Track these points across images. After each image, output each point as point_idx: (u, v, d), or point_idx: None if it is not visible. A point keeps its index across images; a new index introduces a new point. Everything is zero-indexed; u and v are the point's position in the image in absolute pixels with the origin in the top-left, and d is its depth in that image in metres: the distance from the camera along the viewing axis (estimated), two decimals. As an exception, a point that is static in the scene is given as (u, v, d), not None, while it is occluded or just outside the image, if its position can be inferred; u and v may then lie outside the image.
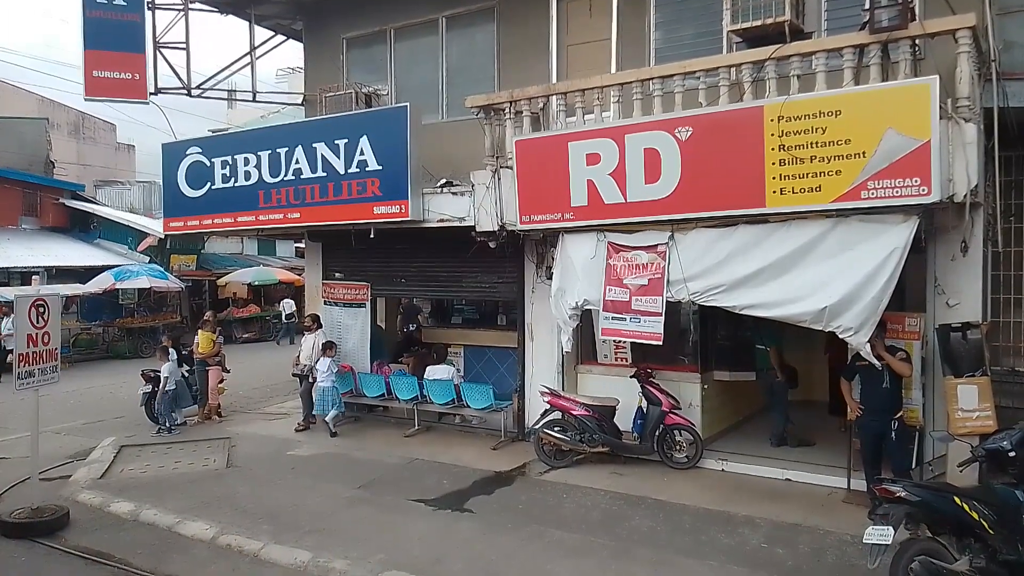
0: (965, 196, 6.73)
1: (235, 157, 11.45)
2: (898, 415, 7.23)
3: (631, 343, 9.34)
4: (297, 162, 10.78)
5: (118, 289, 21.08)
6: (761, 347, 9.42)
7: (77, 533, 7.36)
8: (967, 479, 6.17)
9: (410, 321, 13.87)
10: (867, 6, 7.11)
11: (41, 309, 7.78)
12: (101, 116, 35.18)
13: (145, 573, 6.43)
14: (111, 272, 20.95)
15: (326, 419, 10.91)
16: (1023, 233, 8.64)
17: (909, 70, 7.01)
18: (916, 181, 6.65)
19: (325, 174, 10.52)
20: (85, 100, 13.29)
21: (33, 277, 20.11)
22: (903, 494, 5.23)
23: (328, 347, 11.06)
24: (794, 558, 6.31)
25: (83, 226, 24.99)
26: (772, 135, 7.27)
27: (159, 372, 11.34)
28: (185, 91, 13.20)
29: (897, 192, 6.74)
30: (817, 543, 6.58)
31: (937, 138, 6.55)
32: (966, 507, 5.14)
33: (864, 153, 6.85)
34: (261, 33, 13.90)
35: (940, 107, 6.58)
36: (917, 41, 7.12)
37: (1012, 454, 5.40)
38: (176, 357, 11.55)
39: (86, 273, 21.28)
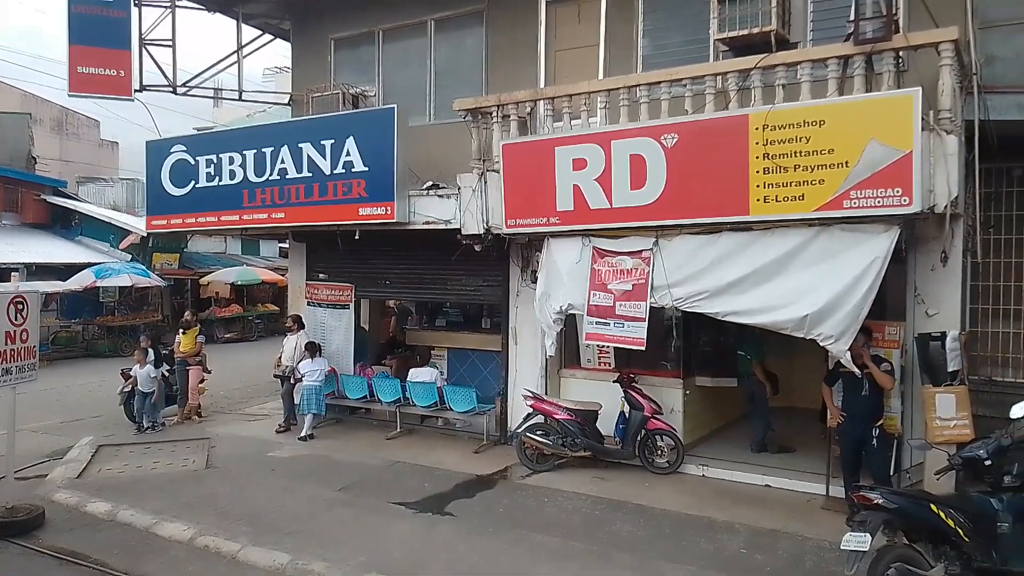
0: (946, 207, 6.81)
1: (220, 156, 11.39)
2: (878, 423, 7.28)
3: (614, 348, 9.38)
4: (282, 162, 10.73)
5: (99, 287, 20.86)
6: (742, 354, 9.48)
7: (52, 533, 7.28)
8: (944, 487, 6.23)
9: (404, 322, 13.93)
10: (852, 18, 7.20)
11: (20, 306, 7.70)
12: (85, 112, 34.86)
13: (121, 574, 6.37)
14: (92, 269, 20.73)
15: (305, 417, 10.83)
16: (1002, 244, 8.75)
17: (892, 82, 7.08)
18: (898, 191, 6.72)
19: (311, 174, 10.49)
20: (69, 96, 13.18)
21: (12, 273, 19.86)
22: (881, 501, 5.28)
23: (314, 348, 11.01)
24: (773, 564, 6.35)
25: (64, 223, 24.73)
26: (757, 143, 7.33)
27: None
28: (171, 89, 13.11)
29: (879, 202, 6.81)
30: (796, 549, 6.62)
31: (919, 149, 6.63)
32: (942, 515, 5.20)
33: (847, 163, 6.92)
34: (248, 32, 13.87)
35: (922, 119, 6.66)
36: (901, 53, 7.20)
37: (988, 463, 5.46)
38: (154, 359, 11.46)
39: (67, 270, 21.04)
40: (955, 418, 6.75)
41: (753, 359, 9.42)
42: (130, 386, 11.46)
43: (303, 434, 10.73)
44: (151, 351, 11.48)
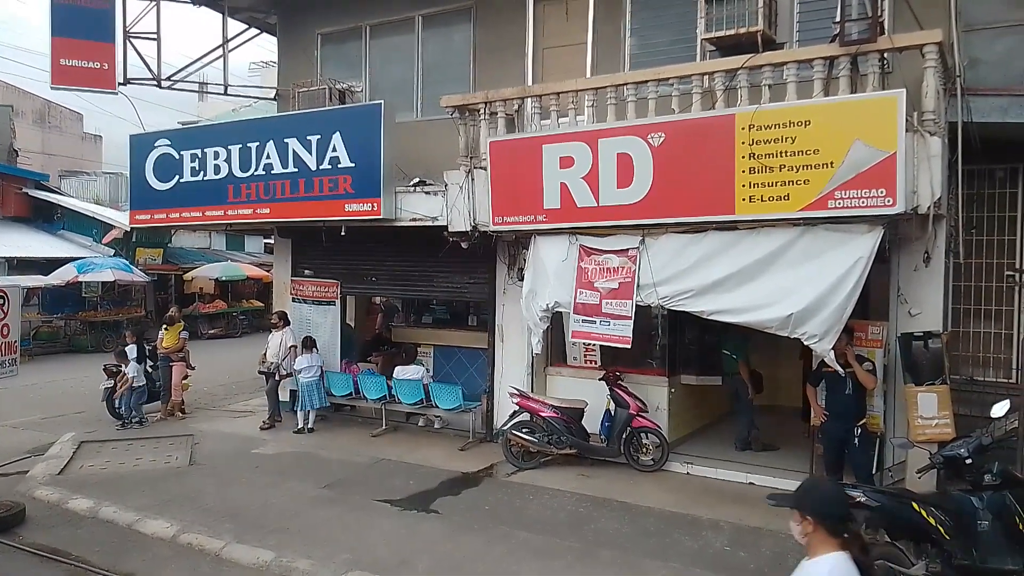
0: (929, 208, 6.87)
1: (205, 150, 11.30)
2: (861, 422, 7.34)
3: (600, 346, 9.39)
4: (268, 157, 10.66)
5: (81, 282, 20.67)
6: (728, 353, 9.53)
7: (33, 530, 7.21)
8: (925, 485, 6.31)
9: (390, 319, 13.90)
10: (838, 19, 7.24)
11: (0, 301, 7.61)
12: (68, 105, 34.47)
13: (102, 571, 6.32)
14: (74, 264, 20.53)
15: (298, 413, 10.88)
16: (984, 245, 8.83)
17: (877, 83, 7.13)
18: (882, 192, 6.78)
19: (296, 170, 10.43)
20: (51, 88, 13.00)
21: (-7, 268, 19.65)
22: (863, 499, 5.33)
23: (310, 343, 11.01)
24: (756, 561, 6.39)
25: (47, 217, 24.42)
26: (743, 143, 7.36)
27: (120, 367, 11.21)
28: (155, 82, 12.98)
29: (863, 202, 6.86)
30: (779, 546, 6.66)
31: (903, 150, 6.68)
32: (924, 513, 5.26)
33: (832, 163, 6.97)
34: (234, 26, 13.73)
35: (906, 120, 6.71)
36: (885, 55, 7.25)
37: (969, 461, 5.52)
38: (136, 355, 11.40)
39: (48, 265, 20.81)
40: (937, 417, 6.82)
41: (738, 358, 9.47)
42: (112, 382, 11.38)
43: (309, 426, 10.86)
44: (135, 347, 11.41)
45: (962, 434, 6.18)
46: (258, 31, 14.15)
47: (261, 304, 26.26)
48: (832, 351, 7.09)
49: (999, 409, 5.75)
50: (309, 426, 10.88)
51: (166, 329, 12.20)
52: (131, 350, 11.34)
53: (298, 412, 10.98)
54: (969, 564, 5.18)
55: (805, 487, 3.29)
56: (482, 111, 9.24)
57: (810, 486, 3.35)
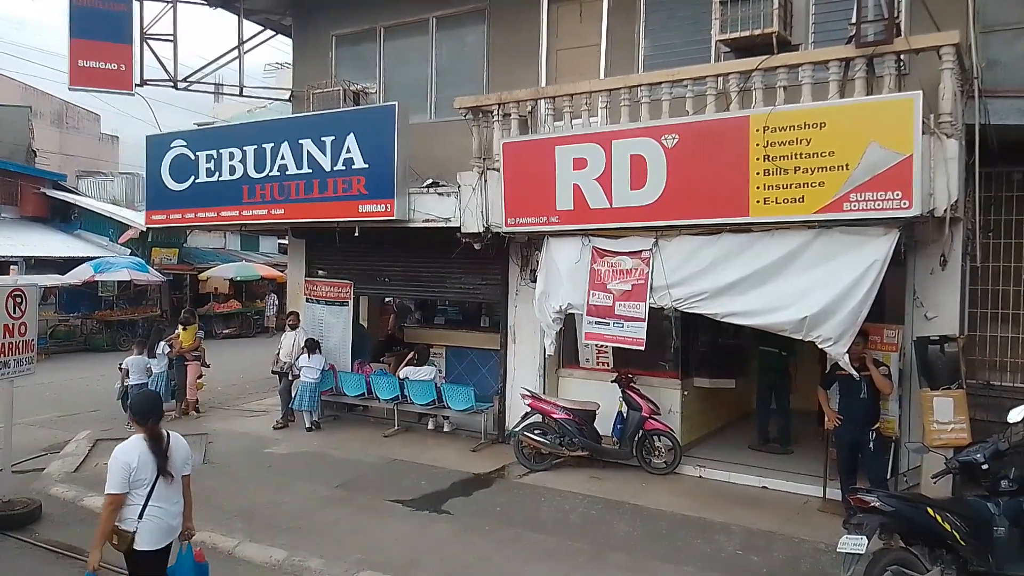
0: (945, 211, 6.81)
1: (220, 151, 11.37)
2: (875, 426, 7.29)
3: (613, 348, 9.37)
4: (283, 158, 10.72)
5: (97, 281, 20.85)
6: (776, 350, 9.43)
7: (49, 527, 7.28)
8: (941, 490, 6.24)
9: (402, 320, 13.95)
10: (854, 20, 7.19)
11: (18, 299, 7.67)
12: (85, 106, 34.76)
13: (117, 569, 6.34)
14: (91, 264, 20.70)
15: (303, 413, 11.00)
16: (1001, 248, 8.75)
17: (893, 85, 7.08)
18: (898, 195, 6.73)
19: (311, 171, 10.48)
20: (69, 89, 13.13)
21: (11, 267, 19.79)
22: (877, 504, 5.29)
23: (312, 345, 11.05)
24: (769, 565, 6.35)
25: (64, 217, 24.66)
26: (757, 145, 7.33)
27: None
28: (171, 83, 13.08)
29: (879, 205, 6.81)
30: (792, 551, 6.63)
31: (919, 153, 6.63)
32: (939, 518, 5.21)
33: (847, 165, 6.92)
34: (250, 27, 13.82)
35: (923, 122, 6.66)
36: (902, 56, 7.21)
37: (985, 467, 5.47)
38: (167, 352, 11.65)
39: (65, 264, 21.00)
40: (953, 422, 6.75)
41: (790, 356, 9.47)
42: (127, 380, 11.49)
43: (307, 425, 10.98)
44: (165, 344, 11.80)
45: (978, 439, 6.12)
46: (273, 33, 14.24)
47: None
48: (847, 355, 7.04)
49: (1016, 414, 5.67)
50: (314, 420, 11.02)
51: (183, 329, 12.30)
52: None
53: (295, 410, 11.16)
54: (985, 570, 5.14)
55: (133, 399, 5.61)
56: (495, 112, 9.25)
57: (135, 398, 5.53)
